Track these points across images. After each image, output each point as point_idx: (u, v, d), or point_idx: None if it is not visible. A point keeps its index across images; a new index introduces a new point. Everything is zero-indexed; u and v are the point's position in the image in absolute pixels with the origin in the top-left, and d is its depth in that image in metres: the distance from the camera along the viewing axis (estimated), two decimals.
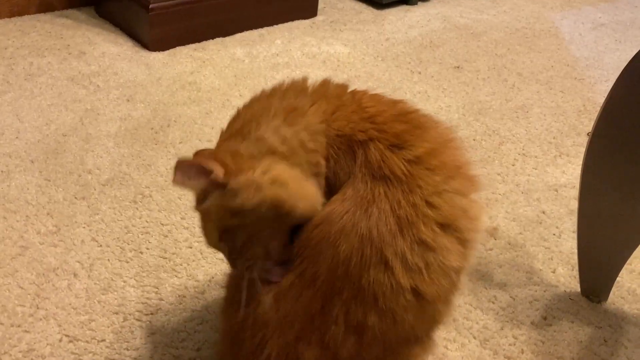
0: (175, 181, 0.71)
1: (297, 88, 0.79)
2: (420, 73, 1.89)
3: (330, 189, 0.74)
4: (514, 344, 1.02)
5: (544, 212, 1.32)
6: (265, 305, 0.73)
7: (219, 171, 0.69)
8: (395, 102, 0.79)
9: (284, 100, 0.77)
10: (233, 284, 0.82)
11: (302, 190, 0.71)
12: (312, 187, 0.73)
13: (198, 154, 0.76)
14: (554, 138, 1.59)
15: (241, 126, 0.76)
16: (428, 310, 0.72)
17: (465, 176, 0.74)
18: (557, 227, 1.28)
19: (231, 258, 0.78)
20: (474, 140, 1.56)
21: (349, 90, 0.80)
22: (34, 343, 0.98)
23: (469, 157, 0.77)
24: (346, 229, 0.69)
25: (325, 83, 0.81)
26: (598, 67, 1.98)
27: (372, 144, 0.73)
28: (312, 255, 0.71)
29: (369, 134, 0.73)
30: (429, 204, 0.70)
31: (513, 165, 1.48)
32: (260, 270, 0.74)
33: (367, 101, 0.78)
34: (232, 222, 0.73)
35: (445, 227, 0.70)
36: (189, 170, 0.70)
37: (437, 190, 0.71)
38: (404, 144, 0.72)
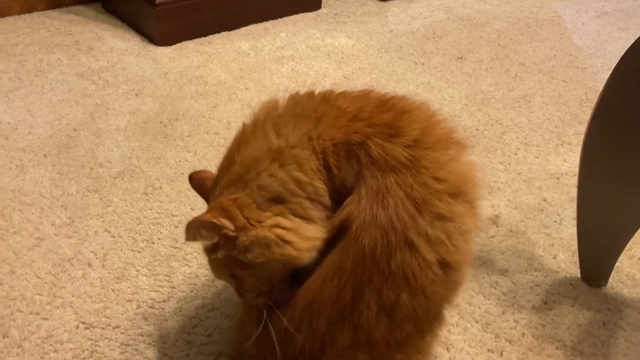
0: (187, 239, 0.77)
1: (273, 116, 0.81)
2: (423, 64, 1.91)
3: (341, 194, 0.77)
4: (515, 328, 1.05)
5: (545, 200, 1.35)
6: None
7: (229, 226, 0.75)
8: (365, 93, 0.83)
9: (266, 138, 0.78)
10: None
11: (307, 243, 0.75)
12: (315, 231, 0.76)
13: (208, 209, 0.79)
14: (555, 127, 1.61)
15: (239, 174, 0.78)
16: (453, 277, 0.77)
17: (455, 142, 0.80)
18: (558, 215, 1.31)
19: (239, 292, 0.83)
20: (476, 130, 1.59)
21: (318, 96, 0.83)
22: (52, 330, 1.02)
23: (450, 123, 0.82)
24: (367, 224, 0.73)
25: (295, 98, 0.83)
26: (601, 56, 1.99)
27: (370, 141, 0.76)
28: (336, 253, 0.75)
29: (363, 132, 0.76)
30: (437, 179, 0.74)
31: (515, 154, 1.50)
32: (266, 300, 0.81)
33: (343, 102, 0.81)
34: (242, 272, 0.79)
35: (456, 195, 0.75)
36: (201, 228, 0.75)
37: (440, 164, 0.75)
38: (397, 131, 0.76)
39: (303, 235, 0.75)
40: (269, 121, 0.80)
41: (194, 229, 0.75)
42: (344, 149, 0.76)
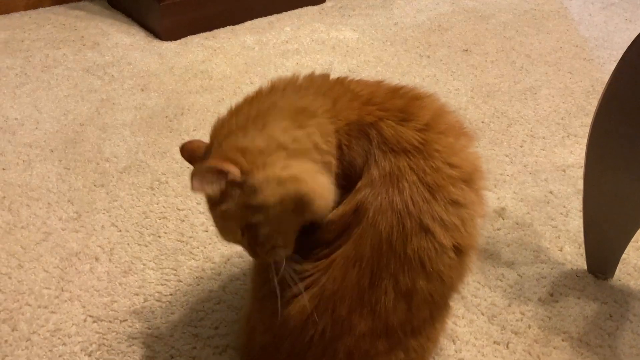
0: (194, 189, 0.71)
1: (293, 85, 0.80)
2: (429, 57, 1.90)
3: (349, 179, 0.77)
4: (521, 320, 1.05)
5: (551, 192, 1.35)
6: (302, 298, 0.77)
7: (235, 171, 0.70)
8: (378, 83, 0.84)
9: (286, 99, 0.77)
10: (259, 272, 0.85)
11: (320, 187, 0.74)
12: (328, 184, 0.75)
13: (210, 158, 0.74)
14: (562, 119, 1.60)
15: (244, 122, 0.75)
16: (465, 262, 0.78)
17: (465, 132, 0.80)
18: (564, 207, 1.30)
19: (251, 248, 0.79)
20: (482, 122, 1.58)
21: (332, 78, 0.83)
22: (60, 323, 1.03)
23: (458, 115, 0.83)
24: (383, 208, 0.73)
25: (311, 76, 0.83)
26: (607, 47, 1.98)
27: (382, 122, 0.76)
28: (355, 238, 0.75)
29: (376, 114, 0.77)
30: (451, 165, 0.75)
31: (521, 146, 1.50)
32: (281, 257, 0.78)
33: (356, 87, 0.81)
34: (254, 218, 0.74)
35: (468, 182, 0.76)
36: (206, 176, 0.71)
37: (453, 151, 0.76)
38: (409, 116, 0.76)
39: (317, 180, 0.73)
40: (290, 88, 0.79)
41: (199, 177, 0.71)
42: (356, 128, 0.76)
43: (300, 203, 0.72)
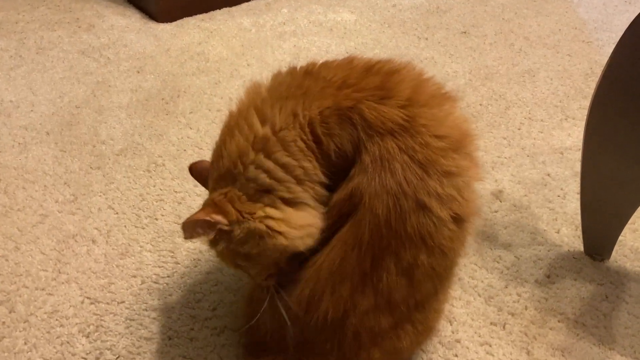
0: (186, 238, 0.78)
1: (256, 102, 0.79)
2: (427, 39, 1.89)
3: (341, 167, 0.76)
4: (518, 301, 1.06)
5: (549, 175, 1.35)
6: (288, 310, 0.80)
7: (223, 221, 0.76)
8: (349, 61, 0.82)
9: (251, 128, 0.77)
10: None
11: (298, 232, 0.76)
12: (312, 217, 0.76)
13: (201, 208, 0.79)
14: (560, 102, 1.60)
15: (228, 168, 0.78)
16: (466, 229, 0.79)
17: (447, 97, 0.80)
18: (561, 189, 1.30)
19: (250, 277, 0.86)
20: (480, 105, 1.58)
21: (300, 71, 0.81)
22: (58, 305, 1.03)
23: (437, 79, 0.82)
24: (378, 192, 0.73)
25: (278, 77, 0.82)
26: (607, 30, 1.97)
27: (362, 104, 0.75)
28: (352, 223, 0.75)
29: (353, 97, 0.75)
30: (438, 137, 0.74)
31: (519, 129, 1.49)
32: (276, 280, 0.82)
33: (327, 72, 0.79)
34: (242, 262, 0.81)
35: (458, 149, 0.76)
36: (196, 226, 0.76)
37: (439, 121, 0.75)
38: (388, 93, 0.75)
39: (294, 224, 0.76)
40: (252, 108, 0.78)
41: (190, 229, 0.76)
42: (334, 114, 0.75)
43: (281, 251, 0.77)
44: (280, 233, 0.75)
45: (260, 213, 0.76)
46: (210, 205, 0.78)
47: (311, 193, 0.77)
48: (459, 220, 0.76)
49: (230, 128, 0.80)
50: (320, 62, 0.83)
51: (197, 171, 0.91)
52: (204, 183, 0.90)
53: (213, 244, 0.80)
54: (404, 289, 0.77)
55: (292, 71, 0.82)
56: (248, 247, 0.77)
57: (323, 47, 1.81)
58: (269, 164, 0.76)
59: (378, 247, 0.74)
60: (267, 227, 0.75)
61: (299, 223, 0.76)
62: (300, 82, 0.79)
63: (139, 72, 1.67)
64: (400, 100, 0.75)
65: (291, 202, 0.76)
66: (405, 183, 0.73)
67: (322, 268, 0.77)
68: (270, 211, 0.76)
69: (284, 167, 0.76)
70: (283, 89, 0.79)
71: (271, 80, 0.82)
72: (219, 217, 0.76)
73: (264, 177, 0.76)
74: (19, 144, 1.39)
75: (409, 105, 0.75)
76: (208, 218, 0.75)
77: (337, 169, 0.77)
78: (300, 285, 0.79)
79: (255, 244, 0.77)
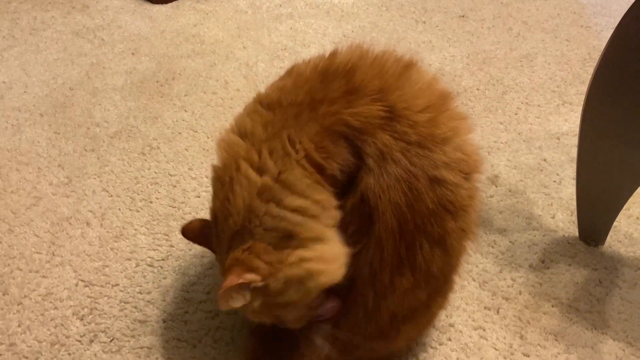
0: (223, 308, 0.73)
1: (240, 154, 0.76)
2: (424, 23, 1.87)
3: (347, 177, 0.76)
4: (512, 286, 1.06)
5: (545, 160, 1.34)
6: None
7: (256, 279, 0.72)
8: (298, 75, 0.80)
9: (249, 180, 0.74)
10: None
11: (335, 264, 0.74)
12: (338, 249, 0.75)
13: (227, 273, 0.74)
14: (557, 87, 1.59)
15: (241, 224, 0.74)
16: (476, 184, 0.80)
17: (407, 63, 0.80)
18: (557, 175, 1.30)
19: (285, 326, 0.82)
20: (477, 89, 1.57)
21: (262, 107, 0.79)
22: (52, 287, 1.03)
23: (388, 48, 0.81)
24: (391, 184, 0.73)
25: (242, 120, 0.79)
26: (605, 15, 1.95)
27: (341, 115, 0.74)
28: (379, 220, 0.75)
29: (330, 113, 0.74)
30: (421, 111, 0.75)
31: (516, 114, 1.48)
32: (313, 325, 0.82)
33: (286, 96, 0.77)
34: (281, 312, 0.78)
35: (442, 112, 0.77)
36: (231, 293, 0.72)
37: (414, 95, 0.76)
38: (359, 93, 0.75)
39: (329, 259, 0.74)
40: (241, 160, 0.76)
41: (227, 297, 0.72)
42: (325, 136, 0.74)
43: (323, 287, 0.75)
44: (320, 272, 0.73)
45: (292, 259, 0.73)
46: (237, 265, 0.73)
47: (331, 224, 0.75)
48: (469, 177, 0.78)
49: (226, 183, 0.76)
50: (270, 88, 0.81)
51: (192, 232, 0.86)
52: (202, 243, 0.87)
53: (249, 304, 0.75)
54: (440, 258, 0.78)
55: (254, 109, 0.80)
56: (288, 296, 0.74)
57: (320, 30, 1.80)
58: (283, 212, 0.73)
59: (408, 230, 0.75)
60: (305, 270, 0.73)
61: (333, 256, 0.75)
62: (272, 117, 0.76)
63: (133, 54, 1.66)
64: (372, 94, 0.75)
65: (317, 240, 0.74)
66: (412, 166, 0.74)
67: (362, 272, 0.77)
68: (302, 253, 0.73)
69: (298, 210, 0.73)
70: (259, 131, 0.76)
71: (237, 126, 0.79)
72: (251, 276, 0.72)
73: (284, 224, 0.73)
74: (12, 125, 1.38)
75: (382, 97, 0.75)
76: (241, 280, 0.71)
77: (346, 182, 0.76)
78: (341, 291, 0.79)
79: (295, 290, 0.74)
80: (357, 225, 0.76)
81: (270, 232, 0.73)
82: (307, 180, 0.74)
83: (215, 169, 0.79)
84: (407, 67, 0.80)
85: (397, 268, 0.77)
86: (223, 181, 0.77)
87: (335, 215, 0.75)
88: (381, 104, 0.74)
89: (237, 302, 0.73)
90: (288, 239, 0.73)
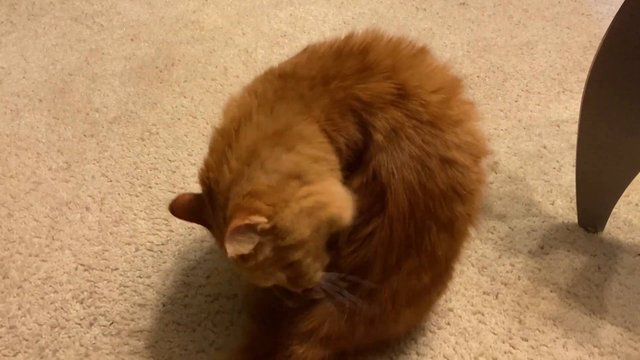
0: (232, 254, 0.69)
1: (251, 108, 0.76)
2: (425, 10, 1.86)
3: (357, 155, 0.76)
4: (511, 271, 1.06)
5: (545, 147, 1.34)
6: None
7: (261, 220, 0.68)
8: (313, 52, 0.81)
9: (258, 127, 0.73)
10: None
11: (342, 201, 0.73)
12: (344, 191, 0.74)
13: (230, 218, 0.71)
14: (557, 74, 1.58)
15: (239, 167, 0.72)
16: (483, 167, 0.81)
17: (424, 51, 0.81)
18: (557, 161, 1.30)
19: (293, 282, 0.77)
20: (478, 77, 1.56)
21: (272, 77, 0.79)
22: (52, 271, 1.03)
23: (404, 37, 0.82)
24: (404, 161, 0.74)
25: (253, 89, 0.79)
26: (606, 2, 1.94)
27: (353, 90, 0.74)
28: (391, 199, 0.75)
29: (342, 87, 0.75)
30: (435, 91, 0.76)
31: (516, 101, 1.48)
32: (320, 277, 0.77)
33: (302, 70, 0.78)
34: (295, 255, 0.73)
35: (455, 96, 0.78)
36: (237, 238, 0.68)
37: (427, 77, 0.77)
38: (371, 70, 0.76)
39: (336, 194, 0.73)
40: (254, 113, 0.74)
41: (232, 241, 0.68)
42: (334, 109, 0.75)
43: (333, 224, 0.72)
44: (329, 203, 0.71)
45: (300, 193, 0.70)
46: (238, 210, 0.70)
47: (337, 176, 0.75)
48: (477, 160, 0.79)
49: (231, 134, 0.74)
50: (284, 64, 0.81)
51: (180, 207, 0.82)
52: (193, 218, 0.83)
53: (257, 252, 0.71)
54: (446, 243, 0.79)
55: (265, 77, 0.80)
56: (299, 233, 0.70)
57: (320, 17, 1.79)
58: (289, 156, 0.71)
59: (419, 210, 0.75)
60: (315, 201, 0.70)
61: (340, 194, 0.73)
62: (283, 84, 0.76)
63: (132, 40, 1.65)
64: (385, 72, 0.75)
65: (323, 178, 0.72)
66: (425, 144, 0.74)
67: (377, 251, 0.77)
68: (310, 188, 0.71)
69: (312, 158, 0.72)
70: (270, 94, 0.76)
71: (247, 90, 0.79)
72: (256, 217, 0.68)
73: (287, 166, 0.71)
74: (11, 110, 1.38)
75: (394, 74, 0.75)
76: (247, 221, 0.67)
77: (348, 162, 0.76)
78: (349, 258, 0.78)
79: (306, 224, 0.70)
80: (367, 205, 0.76)
81: (270, 174, 0.70)
82: (322, 138, 0.74)
83: (218, 127, 0.78)
84: (421, 50, 0.81)
85: (405, 249, 0.77)
86: (227, 133, 0.75)
87: (340, 176, 0.75)
88: (392, 81, 0.75)
89: (246, 246, 0.69)
90: (291, 179, 0.70)
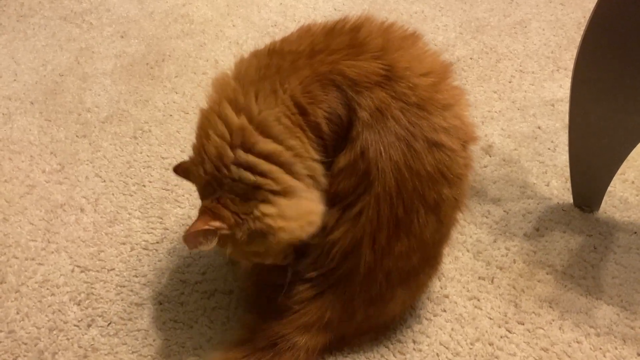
0: (190, 249, 0.78)
1: (227, 92, 0.78)
2: None
3: (340, 130, 0.76)
4: (506, 255, 1.06)
5: (539, 127, 1.33)
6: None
7: (222, 227, 0.76)
8: (307, 29, 0.81)
9: (225, 120, 0.76)
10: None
11: (298, 223, 0.76)
12: (307, 206, 0.76)
13: (197, 219, 0.78)
14: (552, 52, 1.57)
15: (212, 173, 0.77)
16: (471, 153, 0.82)
17: (416, 36, 0.82)
18: (552, 142, 1.29)
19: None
20: (470, 59, 1.55)
21: (263, 51, 0.81)
22: (48, 274, 1.04)
23: (398, 23, 0.82)
24: (390, 141, 0.74)
25: (242, 64, 0.81)
26: None
27: (340, 65, 0.74)
28: (378, 178, 0.75)
29: (328, 61, 0.75)
30: (424, 75, 0.76)
31: (510, 82, 1.47)
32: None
33: (290, 46, 0.79)
34: (256, 258, 0.83)
35: (445, 80, 0.79)
36: (197, 237, 0.76)
37: (418, 60, 0.77)
38: (360, 48, 0.76)
39: (291, 216, 0.75)
40: (225, 101, 0.77)
41: (193, 240, 0.76)
42: (315, 81, 0.74)
43: (285, 244, 0.78)
44: (279, 229, 0.75)
45: (255, 212, 0.75)
46: (205, 212, 0.77)
47: (304, 174, 0.76)
48: (466, 145, 0.79)
49: (204, 128, 0.79)
50: (279, 39, 0.82)
51: (183, 171, 0.89)
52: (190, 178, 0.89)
53: (221, 247, 0.80)
54: (433, 225, 0.79)
55: (255, 54, 0.81)
56: (254, 246, 0.78)
57: (310, 4, 1.77)
58: (251, 159, 0.75)
59: (405, 191, 0.76)
60: (266, 225, 0.75)
61: (297, 213, 0.76)
62: (267, 62, 0.78)
63: (122, 37, 1.64)
64: (374, 51, 0.75)
65: (284, 193, 0.76)
66: (412, 126, 0.74)
67: (365, 229, 0.78)
68: (265, 208, 0.75)
69: (267, 157, 0.75)
70: (252, 72, 0.78)
71: (235, 68, 0.81)
72: (217, 224, 0.75)
73: (248, 175, 0.75)
74: (3, 114, 1.38)
75: (384, 54, 0.75)
76: (207, 227, 0.75)
77: (332, 137, 0.76)
78: (339, 242, 0.80)
79: (260, 242, 0.77)
80: (353, 184, 0.77)
81: (237, 182, 0.75)
82: (286, 121, 0.75)
83: (201, 112, 0.81)
84: (415, 36, 0.81)
85: (394, 230, 0.78)
86: (203, 125, 0.80)
87: (313, 167, 0.76)
88: (381, 62, 0.75)
89: (204, 247, 0.77)
90: (254, 190, 0.75)
